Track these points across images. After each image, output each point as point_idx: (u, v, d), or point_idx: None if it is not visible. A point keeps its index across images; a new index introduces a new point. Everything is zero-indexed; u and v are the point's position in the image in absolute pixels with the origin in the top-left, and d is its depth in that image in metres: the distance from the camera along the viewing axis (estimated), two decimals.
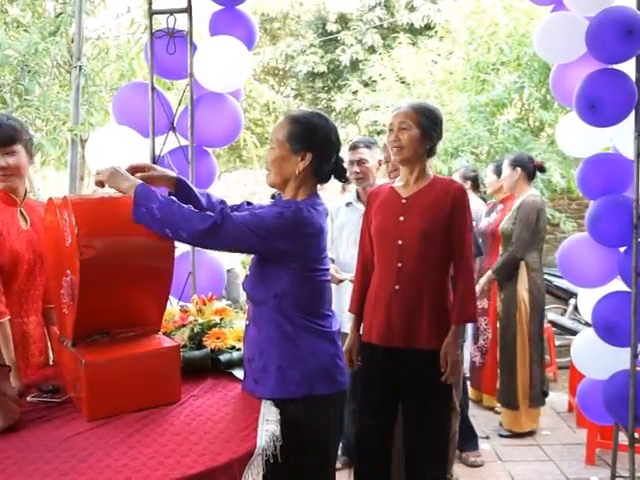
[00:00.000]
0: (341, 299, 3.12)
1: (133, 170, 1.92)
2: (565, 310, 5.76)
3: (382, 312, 2.53)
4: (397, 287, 2.50)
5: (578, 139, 3.18)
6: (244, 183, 8.85)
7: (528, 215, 3.96)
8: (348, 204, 3.43)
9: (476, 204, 4.61)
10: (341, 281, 3.15)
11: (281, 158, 1.98)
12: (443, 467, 2.67)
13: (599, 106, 2.80)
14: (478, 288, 3.95)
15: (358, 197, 3.40)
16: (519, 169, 4.11)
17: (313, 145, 1.95)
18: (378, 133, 8.78)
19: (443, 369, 2.45)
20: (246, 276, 2.02)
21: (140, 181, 1.84)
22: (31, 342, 2.20)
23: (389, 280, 2.51)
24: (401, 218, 2.52)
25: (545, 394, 4.18)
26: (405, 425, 2.57)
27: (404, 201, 2.55)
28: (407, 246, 2.49)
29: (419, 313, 2.49)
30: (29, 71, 5.42)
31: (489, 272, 4.10)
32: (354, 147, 3.37)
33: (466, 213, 2.54)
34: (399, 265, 2.50)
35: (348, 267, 3.15)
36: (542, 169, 4.30)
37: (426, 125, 2.52)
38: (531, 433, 4.05)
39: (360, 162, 3.32)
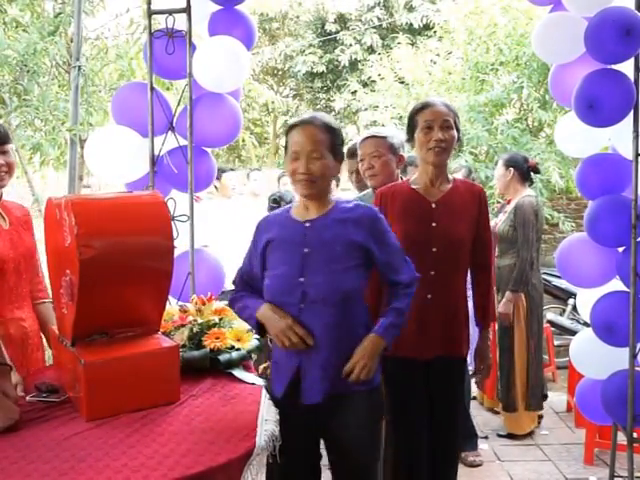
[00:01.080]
0: None
1: None
2: (564, 310, 5.77)
3: (414, 323, 2.37)
4: (429, 296, 2.42)
5: (577, 139, 3.18)
6: (243, 183, 8.81)
7: (528, 217, 3.93)
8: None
9: None
10: None
11: (328, 168, 2.04)
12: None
13: (598, 106, 2.80)
14: (502, 308, 3.93)
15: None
16: (512, 169, 4.08)
17: (342, 150, 2.12)
18: None
19: (478, 371, 2.60)
20: None
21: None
22: (30, 337, 2.21)
23: (420, 289, 2.29)
24: (433, 224, 2.44)
25: (544, 397, 4.18)
26: (434, 430, 2.52)
27: (434, 205, 2.47)
28: (441, 253, 2.42)
29: (453, 320, 2.47)
30: (28, 71, 5.41)
31: (508, 293, 3.96)
32: (350, 155, 3.31)
33: (488, 215, 2.58)
34: (432, 273, 2.40)
35: None
36: (536, 170, 4.27)
37: (458, 124, 2.49)
38: (530, 433, 4.05)
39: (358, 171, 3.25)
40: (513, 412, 4.02)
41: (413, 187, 2.52)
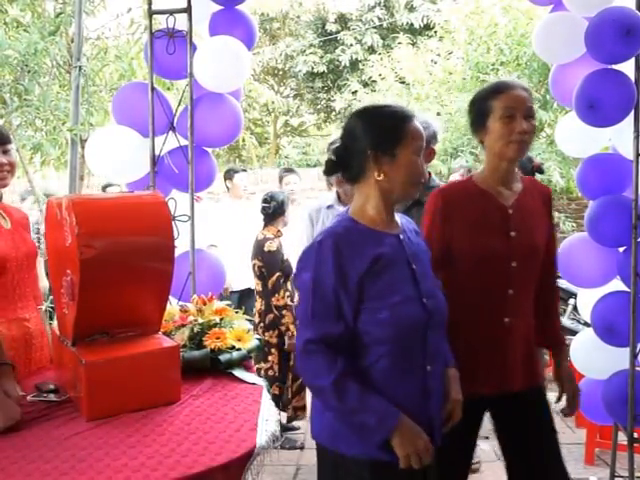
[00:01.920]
0: None
1: None
2: (564, 310, 5.76)
3: (491, 354, 2.02)
4: (507, 319, 2.02)
5: (577, 139, 3.18)
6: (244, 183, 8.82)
7: None
8: (329, 207, 3.32)
9: None
10: None
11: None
12: None
13: (598, 106, 2.81)
14: None
15: (339, 199, 3.28)
16: (515, 168, 4.11)
17: None
18: None
19: (564, 396, 2.25)
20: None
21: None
22: (33, 337, 2.21)
23: (496, 312, 2.00)
24: (512, 233, 2.01)
25: None
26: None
27: (511, 211, 2.04)
28: (521, 268, 2.01)
29: (532, 345, 2.12)
30: (29, 71, 5.41)
31: None
32: None
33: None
34: (510, 292, 2.01)
35: None
36: (540, 170, 4.29)
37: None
38: None
39: None
40: None
41: (485, 188, 2.07)
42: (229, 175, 5.09)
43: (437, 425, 1.69)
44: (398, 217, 1.75)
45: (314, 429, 1.72)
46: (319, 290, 1.57)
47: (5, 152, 2.18)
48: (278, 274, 3.86)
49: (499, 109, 1.98)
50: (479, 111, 2.06)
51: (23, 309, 2.21)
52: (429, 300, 1.65)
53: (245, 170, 5.21)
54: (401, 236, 1.69)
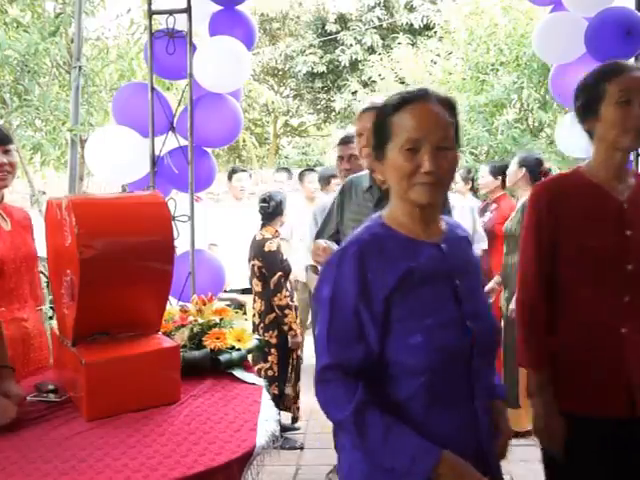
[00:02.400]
0: None
1: None
2: None
3: (608, 369, 1.75)
4: (624, 330, 1.74)
5: (577, 139, 3.17)
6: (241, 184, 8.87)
7: None
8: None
9: (476, 204, 4.65)
10: None
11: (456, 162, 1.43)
12: None
13: None
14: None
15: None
16: (524, 169, 4.12)
17: None
18: None
19: None
20: None
21: None
22: (31, 337, 2.21)
23: (610, 320, 1.75)
24: (628, 232, 1.76)
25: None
26: None
27: (626, 206, 1.79)
28: (638, 271, 1.75)
29: None
30: (29, 71, 5.42)
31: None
32: (346, 141, 3.03)
33: None
34: (626, 299, 1.74)
35: None
36: (546, 175, 4.31)
37: None
38: (531, 432, 4.04)
39: (351, 158, 2.97)
40: (515, 408, 4.02)
41: (596, 182, 1.85)
42: (230, 175, 5.09)
43: (492, 461, 1.45)
44: (445, 222, 1.48)
45: (343, 470, 1.44)
46: (338, 307, 1.32)
47: (6, 152, 2.18)
48: (279, 274, 3.86)
49: (614, 93, 1.75)
50: (590, 95, 1.83)
51: (21, 310, 2.21)
52: (474, 322, 1.37)
53: (245, 170, 5.16)
54: (443, 245, 1.41)
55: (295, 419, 4.03)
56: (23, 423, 1.71)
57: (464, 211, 4.27)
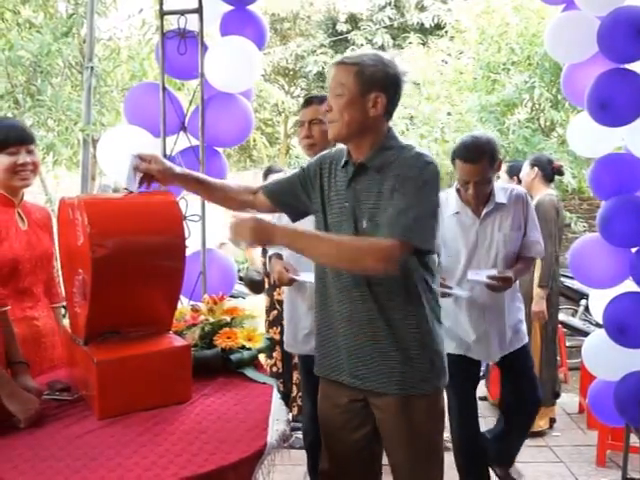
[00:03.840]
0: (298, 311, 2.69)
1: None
2: (576, 311, 5.74)
3: None
4: None
5: (589, 139, 3.17)
6: (255, 183, 8.86)
7: (549, 213, 3.93)
8: None
9: None
10: (293, 281, 2.57)
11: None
12: None
13: (610, 106, 2.79)
14: (536, 307, 3.90)
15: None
16: (536, 169, 4.13)
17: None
18: (388, 130, 8.78)
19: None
20: None
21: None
22: (43, 335, 2.22)
23: None
24: None
25: (557, 395, 4.16)
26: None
27: None
28: None
29: None
30: (41, 72, 5.46)
31: (539, 290, 3.92)
32: (307, 103, 2.61)
33: None
34: None
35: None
36: (560, 172, 4.31)
37: None
38: (541, 434, 4.03)
39: (312, 123, 2.54)
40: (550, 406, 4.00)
41: None
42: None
43: None
44: None
45: None
46: None
47: (29, 152, 2.21)
48: None
49: None
50: None
51: (32, 309, 2.22)
52: None
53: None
54: None
55: (296, 417, 4.03)
56: (43, 417, 1.72)
57: None
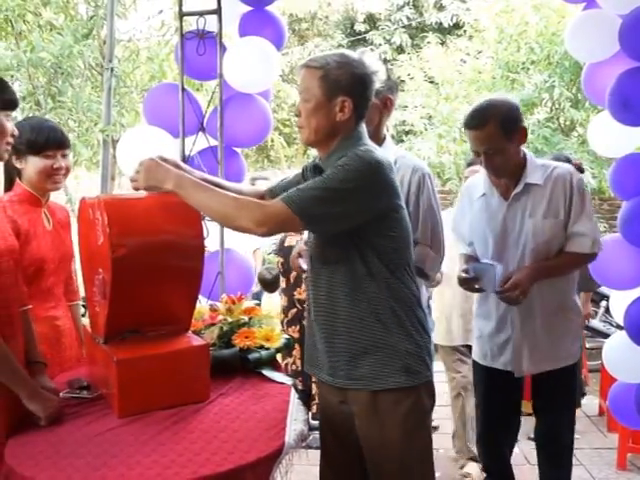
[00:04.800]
0: None
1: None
2: (596, 312, 5.68)
3: None
4: None
5: (610, 138, 3.13)
6: (273, 183, 8.91)
7: None
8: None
9: None
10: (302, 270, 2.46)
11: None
12: None
13: (632, 105, 2.76)
14: (584, 309, 3.81)
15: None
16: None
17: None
18: (407, 133, 8.75)
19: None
20: None
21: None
22: (63, 335, 2.24)
23: None
24: None
25: (582, 395, 4.12)
26: None
27: None
28: None
29: None
30: (62, 73, 5.51)
31: (584, 294, 3.87)
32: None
33: None
34: None
35: None
36: (580, 169, 4.22)
37: None
38: None
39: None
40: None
41: None
42: (252, 184, 5.14)
43: None
44: None
45: None
46: None
47: (64, 156, 2.24)
48: None
49: None
50: None
51: (54, 308, 2.24)
52: None
53: (267, 178, 5.16)
54: None
55: (315, 416, 4.03)
56: (55, 419, 1.74)
57: None
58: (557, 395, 2.50)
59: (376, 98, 2.13)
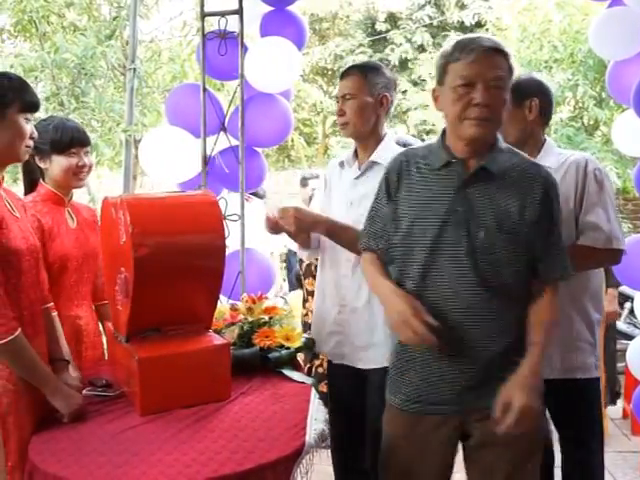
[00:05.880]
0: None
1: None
2: (620, 314, 5.60)
3: None
4: None
5: (635, 138, 3.09)
6: (293, 183, 8.96)
7: None
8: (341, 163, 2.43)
9: None
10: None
11: None
12: None
13: None
14: (610, 307, 3.73)
15: (355, 155, 2.36)
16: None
17: None
18: (427, 133, 8.71)
19: None
20: None
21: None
22: (84, 335, 2.26)
23: None
24: None
25: (617, 394, 4.05)
26: None
27: None
28: None
29: None
30: (85, 74, 5.57)
31: (612, 290, 3.80)
32: (343, 74, 2.31)
33: None
34: None
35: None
36: None
37: None
38: None
39: (345, 98, 2.27)
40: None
41: None
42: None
43: None
44: None
45: None
46: None
47: (86, 154, 2.27)
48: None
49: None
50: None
51: (78, 307, 2.26)
52: None
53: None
54: None
55: None
56: (78, 416, 1.76)
57: None
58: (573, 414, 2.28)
59: (371, 97, 2.20)
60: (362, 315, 2.23)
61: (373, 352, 2.20)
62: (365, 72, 2.25)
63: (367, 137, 2.29)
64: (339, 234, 2.19)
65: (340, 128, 2.33)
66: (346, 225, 2.17)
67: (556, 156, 2.21)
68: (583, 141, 6.40)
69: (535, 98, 2.19)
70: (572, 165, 2.15)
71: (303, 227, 2.18)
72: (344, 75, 2.29)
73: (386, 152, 2.19)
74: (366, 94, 2.23)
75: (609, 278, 3.55)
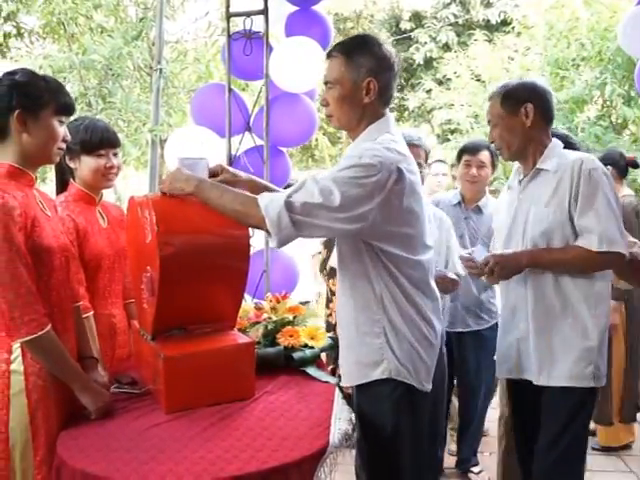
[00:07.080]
0: None
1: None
2: None
3: None
4: None
5: None
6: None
7: (630, 219, 3.45)
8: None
9: None
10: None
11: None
12: None
13: None
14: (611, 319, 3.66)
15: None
16: (610, 167, 3.83)
17: None
18: (452, 132, 8.66)
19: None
20: None
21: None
22: (118, 333, 2.28)
23: None
24: None
25: (638, 408, 3.97)
26: None
27: None
28: None
29: None
30: (112, 74, 5.63)
31: (612, 302, 3.74)
32: (327, 55, 1.99)
33: None
34: None
35: None
36: (635, 165, 3.97)
37: None
38: (625, 446, 3.85)
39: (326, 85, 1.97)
40: (608, 425, 3.81)
41: None
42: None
43: None
44: None
45: None
46: None
47: (115, 155, 2.29)
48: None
49: None
50: None
51: (112, 305, 2.28)
52: None
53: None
54: None
55: None
56: (113, 410, 1.78)
57: None
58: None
59: (354, 83, 1.86)
60: None
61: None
62: (349, 52, 1.87)
63: (355, 129, 1.92)
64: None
65: (328, 120, 2.04)
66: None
67: (557, 159, 2.15)
68: (611, 140, 6.31)
69: (528, 103, 2.13)
70: (568, 166, 2.09)
71: None
72: (327, 57, 1.95)
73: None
74: (348, 80, 1.85)
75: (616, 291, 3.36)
